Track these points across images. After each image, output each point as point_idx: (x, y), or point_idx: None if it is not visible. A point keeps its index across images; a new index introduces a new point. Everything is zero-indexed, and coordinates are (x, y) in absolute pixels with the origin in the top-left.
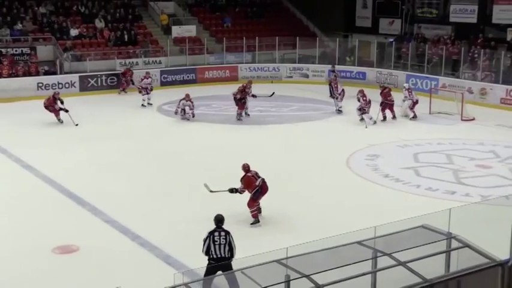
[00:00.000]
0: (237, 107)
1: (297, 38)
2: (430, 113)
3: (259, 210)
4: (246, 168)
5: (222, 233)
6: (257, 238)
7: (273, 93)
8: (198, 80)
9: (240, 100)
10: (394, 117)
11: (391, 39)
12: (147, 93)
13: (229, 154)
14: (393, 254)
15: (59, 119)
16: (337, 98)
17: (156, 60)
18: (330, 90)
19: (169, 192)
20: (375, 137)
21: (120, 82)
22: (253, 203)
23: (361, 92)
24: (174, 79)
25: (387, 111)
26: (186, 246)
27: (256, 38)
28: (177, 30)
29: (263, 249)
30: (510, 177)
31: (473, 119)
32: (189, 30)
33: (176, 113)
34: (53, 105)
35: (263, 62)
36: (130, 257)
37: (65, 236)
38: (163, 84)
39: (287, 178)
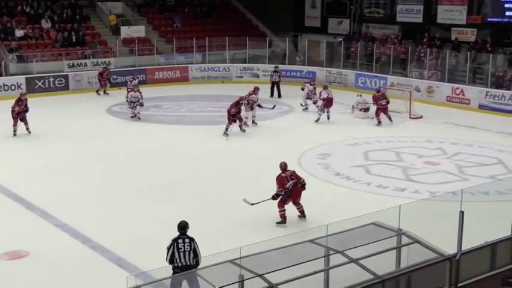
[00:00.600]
0: (227, 121)
1: (247, 38)
2: None
3: (302, 213)
4: (282, 167)
5: (186, 240)
6: (216, 240)
7: (274, 106)
8: (148, 81)
9: (233, 116)
10: (389, 119)
11: (340, 39)
12: (134, 108)
13: (180, 156)
14: (345, 252)
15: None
16: (315, 102)
17: (105, 61)
18: (272, 91)
19: (119, 195)
20: (326, 136)
21: (99, 83)
22: (282, 204)
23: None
24: (123, 80)
25: (382, 115)
26: (137, 248)
27: (206, 38)
28: (125, 31)
29: (220, 248)
30: (457, 173)
31: (421, 117)
32: (137, 30)
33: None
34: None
35: (213, 62)
36: (82, 260)
37: (13, 242)
38: (113, 85)
39: (239, 178)
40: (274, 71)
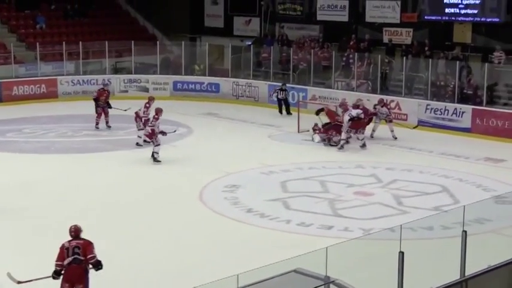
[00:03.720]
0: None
1: (132, 42)
2: (298, 132)
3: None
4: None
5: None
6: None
7: (175, 130)
8: (4, 99)
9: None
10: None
11: (249, 42)
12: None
13: (47, 194)
14: None
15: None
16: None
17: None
18: (280, 108)
19: None
20: (234, 163)
21: (96, 111)
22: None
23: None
24: None
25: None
26: None
27: (80, 42)
28: None
29: None
30: (394, 205)
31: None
32: None
33: None
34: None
35: (89, 74)
36: None
37: None
38: None
39: (125, 217)
40: (281, 89)
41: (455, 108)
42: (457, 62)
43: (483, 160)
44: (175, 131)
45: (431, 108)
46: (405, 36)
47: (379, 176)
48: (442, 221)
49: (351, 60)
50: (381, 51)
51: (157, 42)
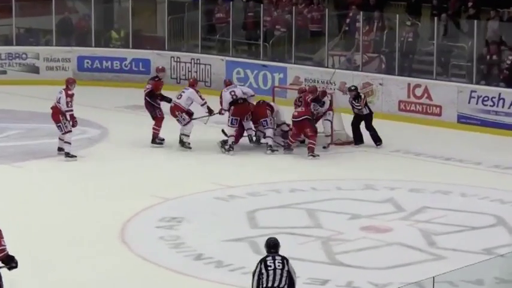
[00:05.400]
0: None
1: None
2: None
3: None
4: None
5: (278, 258)
6: None
7: None
8: None
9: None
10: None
11: None
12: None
13: None
14: None
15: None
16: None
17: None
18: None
19: None
20: (174, 183)
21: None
22: None
23: None
24: None
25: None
26: None
27: None
28: None
29: None
30: (423, 245)
31: (353, 143)
32: None
33: None
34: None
35: None
36: None
37: None
38: None
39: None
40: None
41: None
42: None
43: None
44: None
45: (478, 97)
46: None
47: (400, 202)
48: (497, 270)
49: (354, 23)
50: (400, 8)
51: None
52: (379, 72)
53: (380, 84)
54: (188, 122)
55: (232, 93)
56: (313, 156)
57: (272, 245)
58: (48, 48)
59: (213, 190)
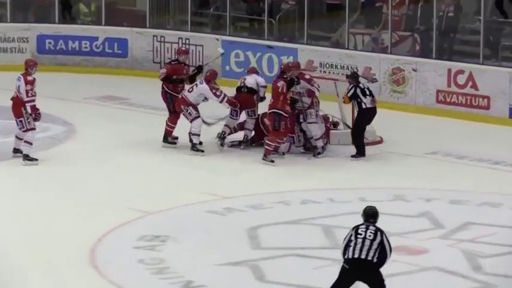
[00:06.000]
0: None
1: None
2: None
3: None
4: None
5: (371, 228)
6: None
7: None
8: None
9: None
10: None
11: None
12: None
13: None
14: None
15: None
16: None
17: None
18: None
19: None
20: (156, 193)
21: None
22: None
23: None
24: None
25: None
26: None
27: None
28: None
29: None
30: (467, 271)
31: (381, 141)
32: None
33: None
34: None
35: None
36: None
37: None
38: None
39: None
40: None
41: None
42: None
43: None
44: None
45: None
46: None
47: (438, 216)
48: None
49: None
50: None
51: None
52: (412, 55)
53: (413, 70)
54: (195, 118)
55: (242, 80)
56: (265, 160)
57: (371, 214)
58: (0, 25)
59: (205, 202)
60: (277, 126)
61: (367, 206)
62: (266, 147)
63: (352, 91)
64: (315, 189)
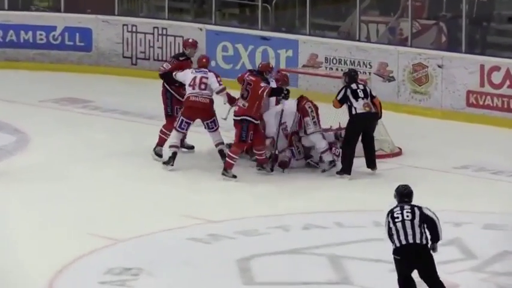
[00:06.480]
0: None
1: None
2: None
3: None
4: None
5: (407, 207)
6: None
7: None
8: None
9: None
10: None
11: None
12: None
13: None
14: None
15: None
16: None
17: None
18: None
19: None
20: (127, 217)
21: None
22: None
23: None
24: None
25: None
26: None
27: None
28: None
29: None
30: None
31: (400, 152)
32: None
33: None
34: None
35: None
36: None
37: None
38: None
39: None
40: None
41: None
42: None
43: None
44: None
45: None
46: None
47: (469, 245)
48: None
49: None
50: None
51: None
52: (437, 48)
53: (439, 66)
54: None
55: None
56: (225, 176)
57: (405, 194)
58: None
59: (186, 227)
60: (245, 137)
61: (400, 185)
62: (228, 159)
63: (341, 93)
64: (320, 211)
